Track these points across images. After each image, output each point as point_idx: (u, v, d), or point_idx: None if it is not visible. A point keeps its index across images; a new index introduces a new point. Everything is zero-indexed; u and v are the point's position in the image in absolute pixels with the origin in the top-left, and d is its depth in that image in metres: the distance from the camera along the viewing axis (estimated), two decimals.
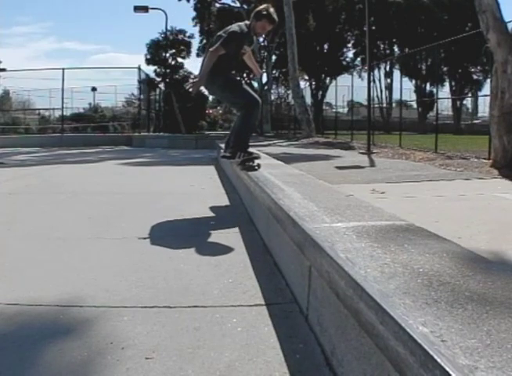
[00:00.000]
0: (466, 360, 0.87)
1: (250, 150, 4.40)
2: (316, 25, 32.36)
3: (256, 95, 4.40)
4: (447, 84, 36.07)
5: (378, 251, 1.57)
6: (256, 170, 4.12)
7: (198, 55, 30.80)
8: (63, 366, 1.56)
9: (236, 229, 3.52)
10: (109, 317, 1.94)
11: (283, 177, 3.51)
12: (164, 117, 27.01)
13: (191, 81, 5.40)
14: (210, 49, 4.14)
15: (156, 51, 27.13)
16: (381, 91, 36.83)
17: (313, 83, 37.79)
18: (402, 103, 20.13)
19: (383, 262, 1.45)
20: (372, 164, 8.59)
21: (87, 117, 26.53)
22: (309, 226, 1.93)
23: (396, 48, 38.41)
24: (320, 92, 36.45)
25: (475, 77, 35.51)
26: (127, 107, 29.21)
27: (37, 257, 2.83)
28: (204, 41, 31.82)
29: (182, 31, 27.59)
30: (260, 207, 3.28)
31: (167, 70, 26.57)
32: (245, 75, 29.63)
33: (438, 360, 0.88)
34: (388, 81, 37.13)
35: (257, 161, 4.31)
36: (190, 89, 4.33)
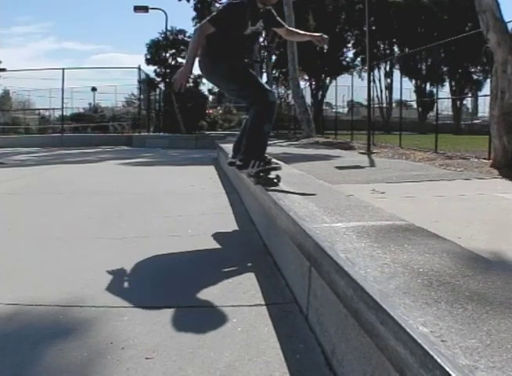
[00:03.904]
0: (466, 360, 0.87)
1: (268, 156, 3.46)
2: (316, 25, 32.34)
3: (270, 89, 3.47)
4: (447, 84, 36.09)
5: (378, 251, 1.57)
6: (276, 185, 3.21)
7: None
8: (63, 366, 1.56)
9: (236, 229, 3.52)
10: (109, 317, 1.94)
11: (283, 177, 3.51)
12: (164, 117, 27.02)
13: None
14: (195, 27, 3.31)
15: (156, 51, 27.17)
16: (381, 91, 36.84)
17: (313, 83, 37.81)
18: (402, 103, 20.13)
19: (383, 262, 1.45)
20: (372, 164, 8.59)
21: (87, 117, 26.53)
22: (309, 226, 1.93)
23: (396, 48, 38.41)
24: (320, 92, 36.47)
25: (475, 77, 35.50)
26: (127, 107, 29.23)
27: (37, 257, 2.83)
28: None
29: (182, 31, 27.65)
30: (260, 207, 3.28)
31: (167, 70, 26.58)
32: None
33: (438, 360, 0.88)
34: (388, 81, 37.14)
35: (275, 173, 3.38)
36: (176, 87, 3.25)
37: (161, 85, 27.31)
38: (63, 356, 1.62)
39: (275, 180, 3.30)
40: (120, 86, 26.79)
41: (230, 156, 3.69)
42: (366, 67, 14.15)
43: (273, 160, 3.51)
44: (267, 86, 3.51)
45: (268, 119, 3.40)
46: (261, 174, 3.32)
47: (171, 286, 2.33)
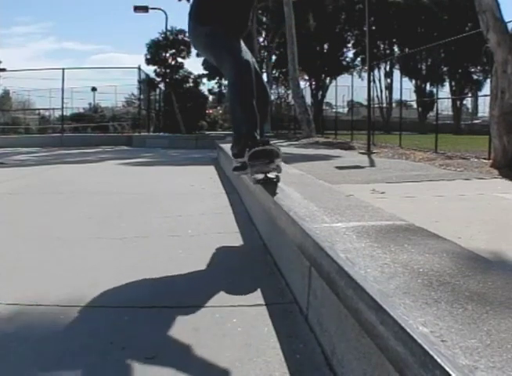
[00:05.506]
0: (466, 360, 0.87)
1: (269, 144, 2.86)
2: (316, 25, 32.40)
3: (244, 55, 2.91)
4: (447, 84, 36.11)
5: (378, 251, 1.57)
6: (275, 184, 2.83)
7: (198, 55, 30.80)
8: (63, 366, 1.56)
9: (236, 230, 3.52)
10: (109, 317, 1.94)
11: (282, 177, 3.51)
12: (164, 117, 27.05)
13: None
14: None
15: (156, 51, 27.17)
16: (381, 91, 36.89)
17: (313, 83, 37.83)
18: (402, 103, 20.14)
19: (383, 262, 1.45)
20: (372, 164, 8.58)
21: (87, 117, 26.57)
22: (309, 226, 1.93)
23: (396, 48, 38.44)
24: (320, 92, 36.51)
25: (475, 77, 35.53)
26: (127, 107, 29.26)
27: (37, 257, 2.83)
28: None
29: (182, 31, 27.61)
30: (260, 207, 3.28)
31: (167, 70, 26.60)
32: None
33: (438, 360, 0.88)
34: (388, 81, 37.17)
35: (273, 166, 2.87)
36: None
37: (161, 85, 27.32)
38: (63, 356, 1.62)
39: (275, 179, 2.96)
40: (120, 86, 26.85)
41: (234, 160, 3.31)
42: (366, 67, 14.15)
43: (272, 145, 2.90)
44: (240, 52, 2.95)
45: (243, 90, 2.85)
46: (256, 162, 2.83)
47: (171, 286, 2.32)
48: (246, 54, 3.02)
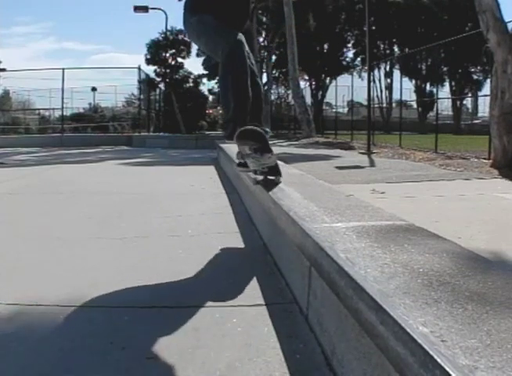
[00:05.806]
0: (466, 360, 0.87)
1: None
2: (316, 25, 32.41)
3: (237, 37, 2.85)
4: (447, 84, 36.11)
5: (378, 251, 1.57)
6: (275, 184, 2.86)
7: (198, 55, 30.83)
8: (63, 366, 1.56)
9: (236, 229, 3.52)
10: (109, 317, 1.94)
11: (282, 177, 3.51)
12: (164, 117, 27.06)
13: None
14: None
15: (156, 51, 27.19)
16: (381, 91, 36.89)
17: (313, 83, 37.83)
18: (402, 103, 20.14)
19: (383, 262, 1.45)
20: (372, 164, 8.58)
21: (87, 117, 26.58)
22: (309, 226, 1.93)
23: (396, 48, 38.44)
24: (320, 92, 36.51)
25: (475, 77, 35.54)
26: (127, 107, 29.26)
27: (37, 257, 2.83)
28: None
29: (182, 31, 27.62)
30: (260, 207, 3.28)
31: (167, 70, 26.61)
32: None
33: (438, 360, 0.88)
34: (388, 81, 37.18)
35: (271, 159, 2.89)
36: None
37: (161, 85, 27.33)
38: (63, 357, 1.62)
39: (275, 178, 3.03)
40: (120, 86, 26.87)
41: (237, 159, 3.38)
42: (366, 67, 14.15)
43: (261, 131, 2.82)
44: (231, 34, 2.87)
45: (236, 72, 2.80)
46: (266, 176, 2.96)
47: (170, 286, 2.32)
48: (241, 37, 2.96)
